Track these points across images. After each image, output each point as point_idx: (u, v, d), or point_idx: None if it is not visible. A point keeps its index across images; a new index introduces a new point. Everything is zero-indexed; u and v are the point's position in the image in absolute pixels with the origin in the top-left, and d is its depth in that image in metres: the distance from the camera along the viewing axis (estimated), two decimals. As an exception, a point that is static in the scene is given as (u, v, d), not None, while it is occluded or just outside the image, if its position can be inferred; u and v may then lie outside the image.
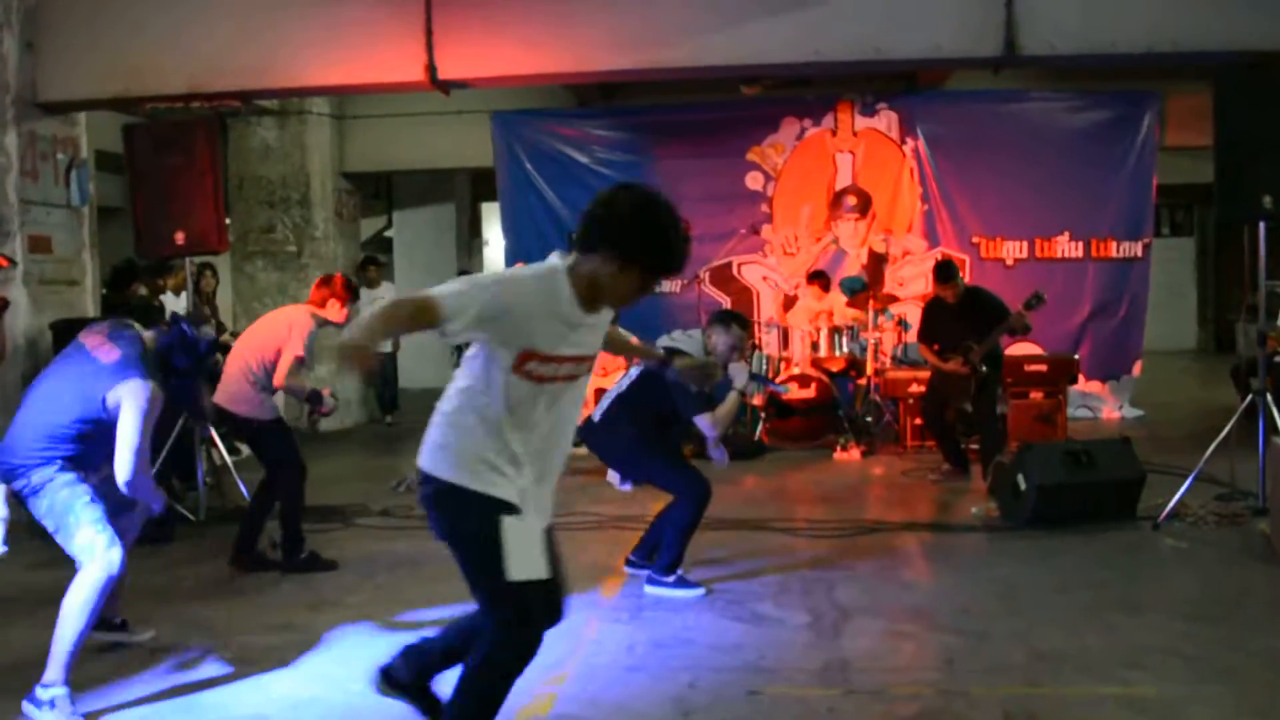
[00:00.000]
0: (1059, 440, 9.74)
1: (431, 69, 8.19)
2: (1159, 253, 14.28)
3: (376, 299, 13.51)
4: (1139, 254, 12.53)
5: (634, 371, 6.18)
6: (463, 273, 15.86)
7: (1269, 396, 7.55)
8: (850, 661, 5.02)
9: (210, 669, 5.08)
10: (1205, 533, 7.22)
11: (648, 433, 6.11)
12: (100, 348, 4.76)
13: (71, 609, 4.49)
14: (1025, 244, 12.57)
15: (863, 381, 11.53)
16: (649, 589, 6.15)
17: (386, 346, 13.60)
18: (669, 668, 4.98)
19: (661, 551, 6.14)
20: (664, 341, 11.68)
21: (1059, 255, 12.55)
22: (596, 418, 6.17)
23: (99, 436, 4.67)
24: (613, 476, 8.92)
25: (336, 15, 8.13)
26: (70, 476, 4.65)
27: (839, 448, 10.58)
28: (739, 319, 6.38)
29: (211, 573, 6.76)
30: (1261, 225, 7.62)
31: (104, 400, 4.62)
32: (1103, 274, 12.54)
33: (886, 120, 12.76)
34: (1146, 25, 7.97)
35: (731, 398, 6.17)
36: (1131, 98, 12.38)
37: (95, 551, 4.55)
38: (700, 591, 6.08)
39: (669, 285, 12.69)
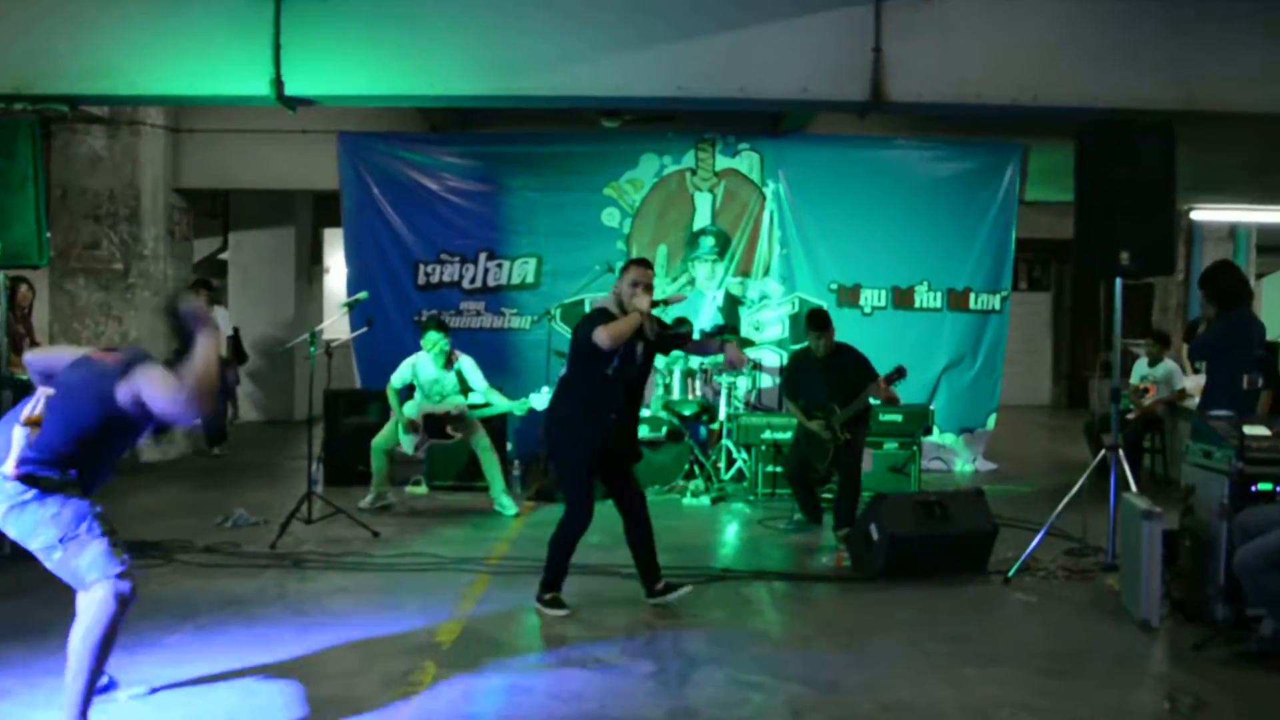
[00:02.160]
0: (912, 491, 9.95)
1: (278, 83, 8.09)
2: (1016, 306, 14.73)
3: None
4: (997, 307, 12.87)
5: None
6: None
7: (1120, 453, 7.83)
8: (696, 711, 5.04)
9: (14, 715, 4.88)
10: (1055, 587, 7.42)
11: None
12: (105, 356, 4.77)
13: (81, 642, 4.50)
14: (884, 292, 12.82)
15: (715, 426, 11.62)
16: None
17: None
18: (509, 716, 4.94)
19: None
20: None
21: (917, 305, 12.83)
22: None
23: (106, 448, 4.69)
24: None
25: (178, 20, 7.99)
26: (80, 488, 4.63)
27: (689, 493, 10.64)
28: (638, 260, 6.89)
29: (18, 610, 6.51)
30: (1118, 282, 7.91)
31: (116, 397, 4.54)
32: (960, 325, 12.85)
33: (749, 161, 12.94)
34: (1011, 79, 8.28)
35: (630, 316, 6.53)
36: (994, 149, 12.75)
37: (106, 569, 4.53)
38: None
39: (518, 323, 12.69)
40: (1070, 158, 7.94)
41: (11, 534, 4.60)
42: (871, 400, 9.12)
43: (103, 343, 12.07)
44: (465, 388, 10.04)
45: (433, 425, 9.88)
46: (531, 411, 9.95)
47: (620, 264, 12.53)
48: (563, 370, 6.95)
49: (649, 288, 6.65)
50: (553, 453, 7.18)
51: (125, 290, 12.37)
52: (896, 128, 12.73)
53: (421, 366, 10.01)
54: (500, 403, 9.84)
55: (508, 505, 9.83)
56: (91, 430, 4.58)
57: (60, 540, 4.54)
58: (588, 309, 12.62)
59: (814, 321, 9.25)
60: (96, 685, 4.59)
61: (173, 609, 6.59)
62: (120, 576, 4.59)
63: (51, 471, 4.53)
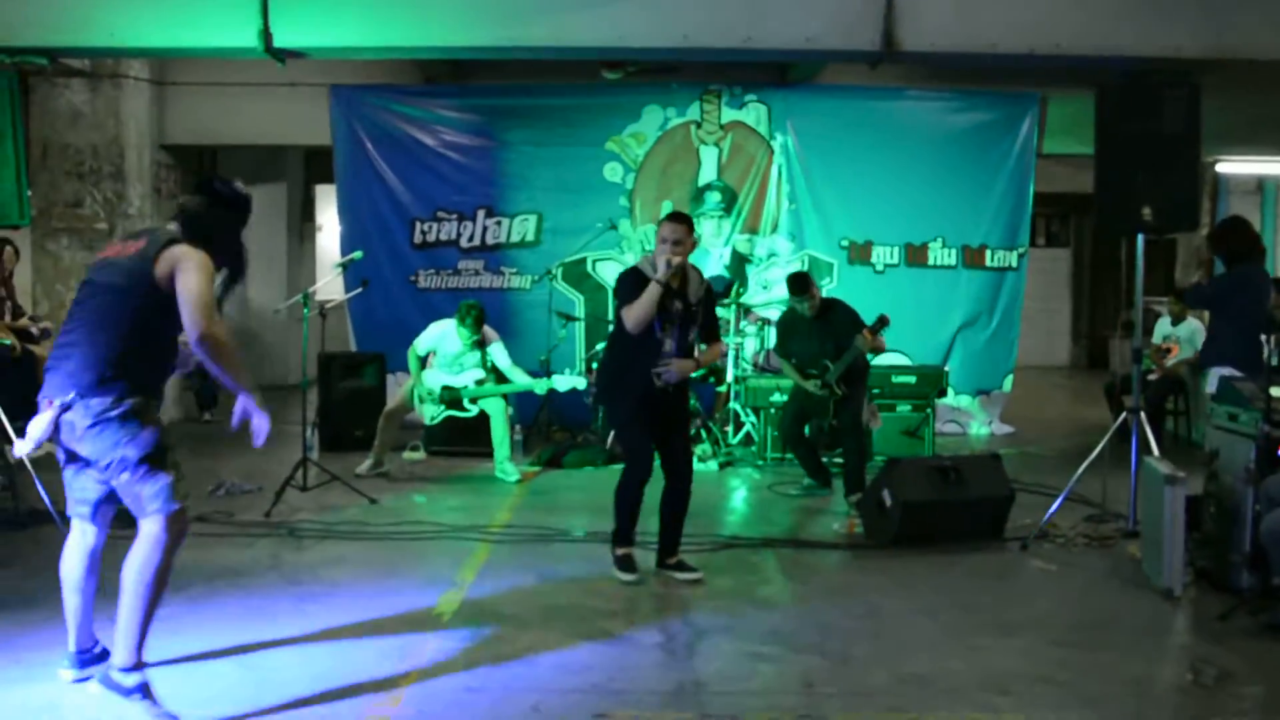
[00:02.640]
0: (926, 456, 9.96)
1: (266, 34, 8.04)
2: (1034, 264, 14.71)
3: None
4: (1014, 264, 12.86)
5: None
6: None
7: (1142, 415, 7.82)
8: (704, 684, 5.06)
9: (-3, 687, 4.90)
10: (1075, 555, 7.44)
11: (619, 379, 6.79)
12: (120, 249, 4.83)
13: (136, 575, 4.62)
14: (896, 249, 12.80)
15: (722, 388, 11.63)
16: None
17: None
18: (512, 689, 4.96)
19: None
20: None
21: (931, 262, 12.81)
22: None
23: (156, 350, 4.83)
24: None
25: (161, -32, 7.94)
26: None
27: (695, 457, 10.63)
28: (669, 215, 6.70)
29: (6, 582, 6.53)
30: (1140, 238, 7.87)
31: (152, 281, 4.65)
32: (976, 283, 12.84)
33: (756, 113, 12.89)
34: (1030, 26, 8.21)
35: (650, 289, 6.42)
36: (1011, 100, 12.70)
37: (166, 503, 4.66)
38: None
39: (518, 282, 12.68)
40: (1090, 108, 7.89)
41: (85, 451, 4.68)
42: (869, 357, 9.10)
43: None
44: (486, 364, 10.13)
45: (450, 396, 9.97)
46: (551, 391, 10.11)
47: (623, 220, 12.68)
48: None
49: (678, 243, 6.48)
50: (603, 403, 7.69)
51: (110, 250, 12.34)
52: (910, 78, 12.67)
53: (448, 338, 10.03)
54: (521, 380, 9.92)
55: (510, 472, 9.85)
56: (136, 325, 4.69)
57: (134, 462, 4.64)
58: (590, 269, 12.77)
59: (795, 286, 9.27)
60: (151, 621, 4.66)
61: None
62: (175, 514, 4.67)
63: (121, 389, 4.63)
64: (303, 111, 12.90)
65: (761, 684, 5.13)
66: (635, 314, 6.38)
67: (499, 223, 12.77)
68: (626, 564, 6.71)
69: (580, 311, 12.63)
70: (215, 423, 13.07)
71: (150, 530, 4.66)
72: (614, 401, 6.85)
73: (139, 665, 4.61)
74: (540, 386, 10.00)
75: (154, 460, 4.67)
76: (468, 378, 10.03)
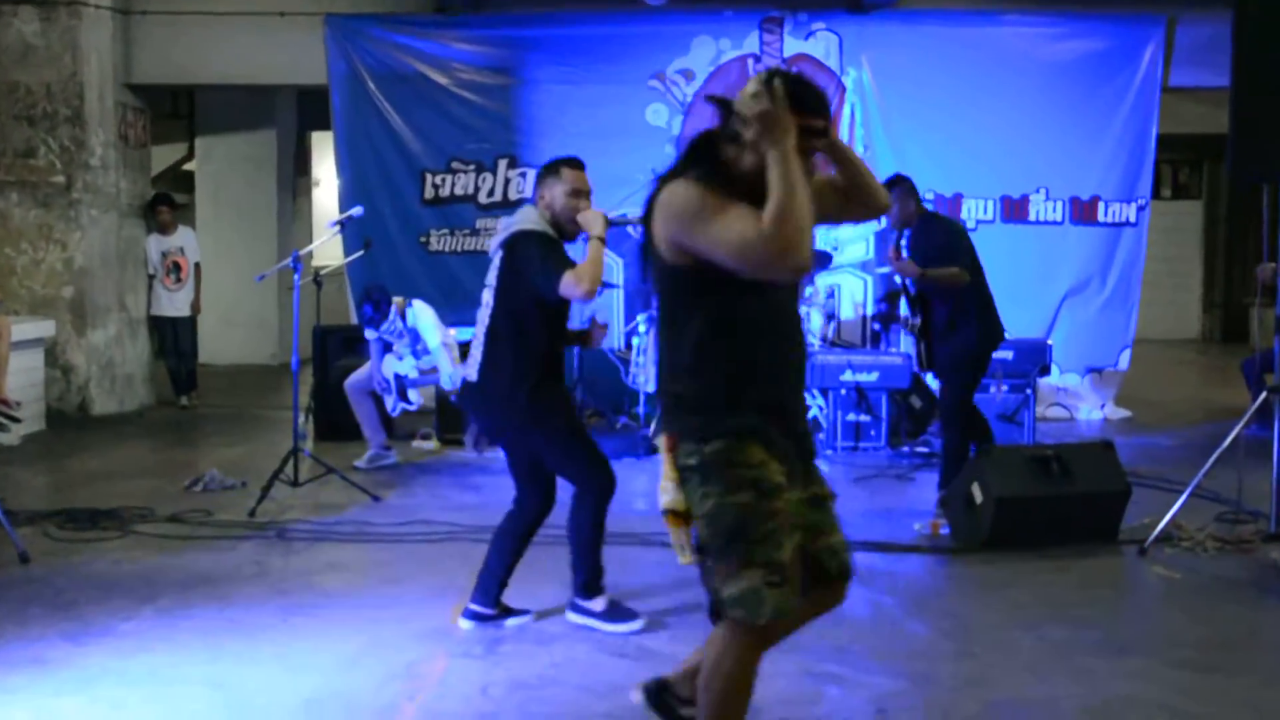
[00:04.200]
0: (1025, 444, 9.87)
1: (248, -50, 8.03)
2: (1157, 219, 14.55)
3: (170, 249, 13.28)
4: (1132, 219, 12.74)
5: (485, 295, 6.06)
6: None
7: (1287, 396, 7.69)
8: (761, 708, 5.00)
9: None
10: (1204, 561, 7.33)
11: (536, 378, 5.95)
12: None
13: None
14: (992, 203, 12.71)
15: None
16: (571, 616, 6.15)
17: (183, 309, 13.40)
18: (531, 714, 4.94)
19: (576, 561, 6.16)
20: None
21: (1032, 217, 12.70)
22: (474, 376, 6.02)
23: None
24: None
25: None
26: None
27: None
28: (568, 160, 6.15)
29: None
30: (1286, 186, 7.76)
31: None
32: (1086, 243, 12.73)
33: (825, 44, 12.81)
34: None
35: (592, 246, 5.90)
36: (1129, 25, 12.59)
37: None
38: (638, 624, 6.06)
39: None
40: (1226, 31, 7.75)
41: None
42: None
43: (42, 270, 12.17)
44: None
45: (400, 386, 10.02)
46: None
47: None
48: (483, 325, 6.07)
49: (589, 194, 6.07)
50: (518, 435, 6.07)
51: (69, 207, 12.41)
52: (1006, 0, 12.56)
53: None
54: (444, 367, 9.91)
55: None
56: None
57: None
58: (631, 229, 12.69)
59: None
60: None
61: (130, 589, 6.62)
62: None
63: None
64: (294, 46, 12.93)
65: (828, 708, 5.08)
66: (593, 273, 5.79)
67: (524, 175, 12.78)
68: (620, 613, 6.23)
69: (619, 278, 12.59)
70: (193, 408, 13.14)
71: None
72: (538, 405, 5.92)
73: None
74: (447, 379, 10.00)
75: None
76: (406, 364, 10.06)
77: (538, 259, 5.80)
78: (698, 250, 3.71)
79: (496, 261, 5.95)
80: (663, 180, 3.88)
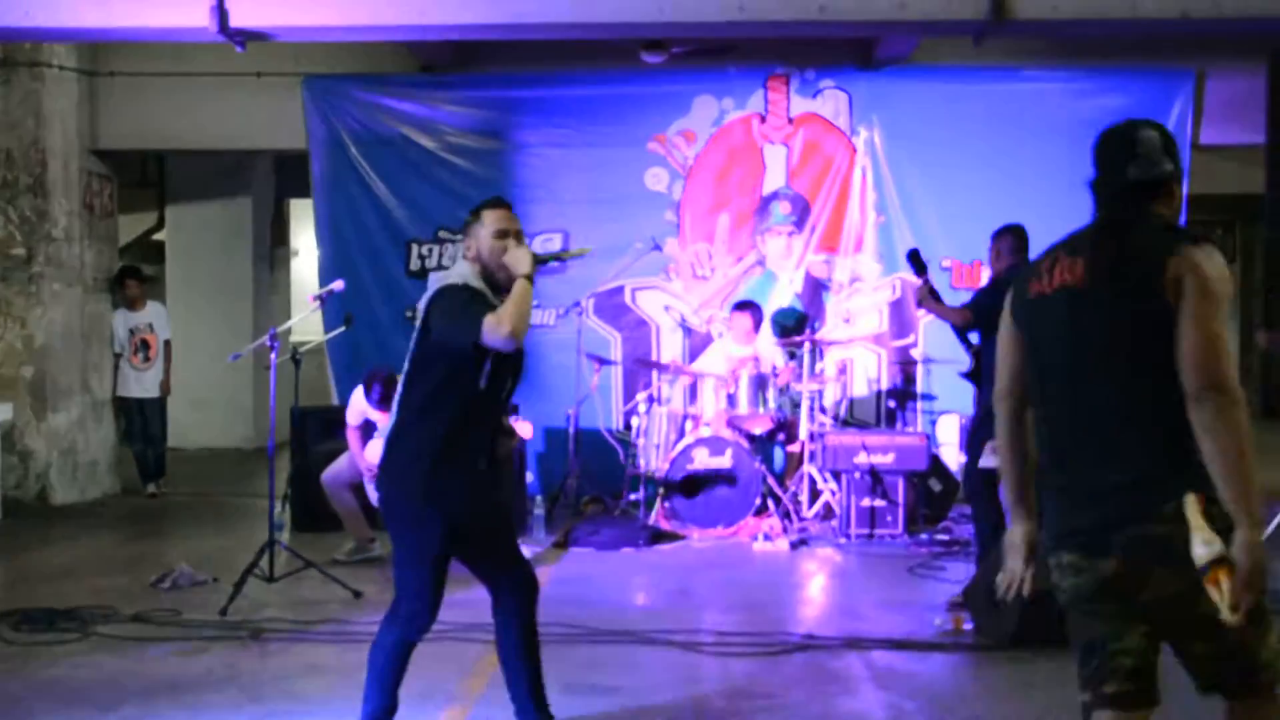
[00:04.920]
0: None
1: (221, 12, 8.06)
2: (1187, 286, 14.51)
3: (138, 325, 13.26)
4: (1161, 286, 12.68)
5: (406, 363, 5.64)
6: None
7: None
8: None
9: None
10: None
11: (440, 457, 5.53)
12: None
13: None
14: (1013, 271, 12.68)
15: (794, 448, 11.52)
16: None
17: (151, 389, 13.32)
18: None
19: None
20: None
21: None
22: (383, 449, 5.65)
23: None
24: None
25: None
26: None
27: (760, 536, 10.56)
28: (489, 201, 5.82)
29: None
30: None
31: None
32: (1114, 312, 12.67)
33: (834, 103, 12.85)
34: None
35: (518, 285, 5.44)
36: (1157, 79, 12.60)
37: None
38: None
39: (540, 317, 12.62)
40: (1260, 86, 7.77)
41: None
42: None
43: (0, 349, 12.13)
44: None
45: None
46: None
47: (669, 239, 12.61)
48: (398, 397, 5.72)
49: (520, 235, 5.70)
50: (390, 517, 5.71)
51: (29, 282, 12.40)
52: (1026, 54, 12.62)
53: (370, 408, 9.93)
54: None
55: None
56: None
57: None
58: (629, 299, 12.72)
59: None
60: None
61: (90, 697, 6.54)
62: None
63: None
64: (271, 108, 12.97)
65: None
66: (515, 313, 5.33)
67: (515, 245, 12.74)
68: None
69: (617, 353, 12.57)
70: (162, 497, 13.08)
71: None
72: (414, 525, 5.55)
73: None
74: None
75: None
76: None
77: (456, 309, 5.42)
78: None
79: (418, 324, 5.55)
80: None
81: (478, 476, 5.58)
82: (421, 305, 5.52)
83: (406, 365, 5.54)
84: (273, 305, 17.75)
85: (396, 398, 5.60)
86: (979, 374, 8.76)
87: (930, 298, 9.14)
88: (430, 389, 5.48)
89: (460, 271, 5.58)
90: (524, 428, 10.37)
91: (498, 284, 5.52)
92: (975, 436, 8.72)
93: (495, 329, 5.21)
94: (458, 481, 5.50)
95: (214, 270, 16.99)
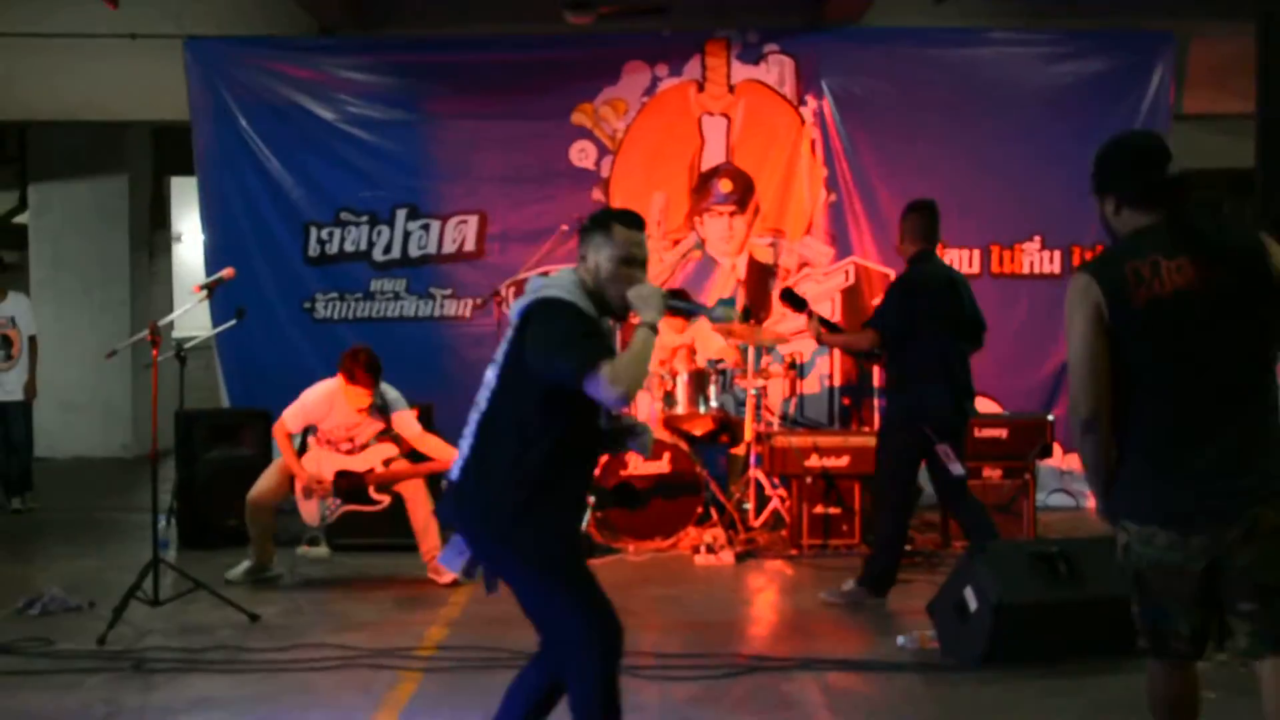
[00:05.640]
0: (1025, 539, 9.89)
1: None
2: (1170, 270, 14.66)
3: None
4: (1142, 271, 12.80)
5: (489, 372, 5.35)
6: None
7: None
8: None
9: None
10: (1247, 677, 7.32)
11: (537, 489, 5.23)
12: None
13: None
14: (978, 253, 12.81)
15: (738, 451, 11.56)
16: None
17: (14, 392, 13.17)
18: None
19: None
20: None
21: (1026, 270, 12.81)
22: (455, 474, 5.35)
23: None
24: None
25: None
26: None
27: (703, 548, 10.61)
28: (623, 216, 5.49)
29: None
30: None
31: None
32: (1089, 299, 12.78)
33: (778, 69, 12.92)
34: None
35: (639, 334, 5.16)
36: (1135, 42, 12.80)
37: None
38: None
39: (454, 309, 12.62)
40: (1249, 48, 7.86)
41: None
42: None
43: None
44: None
45: (350, 486, 9.81)
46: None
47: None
48: (479, 411, 5.42)
49: (645, 263, 5.44)
50: (505, 558, 5.35)
51: None
52: (989, 14, 12.71)
53: (338, 406, 9.88)
54: (442, 453, 9.71)
55: (444, 570, 9.77)
56: None
57: None
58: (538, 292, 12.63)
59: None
60: None
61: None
62: None
63: None
64: (149, 75, 12.92)
65: None
66: (634, 371, 5.04)
67: (426, 227, 12.79)
68: None
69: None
70: (28, 512, 12.96)
71: None
72: (528, 525, 5.19)
73: None
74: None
75: None
76: (373, 457, 9.90)
77: (561, 335, 5.09)
78: None
79: (510, 333, 5.26)
80: None
81: (579, 508, 5.63)
82: (515, 312, 5.28)
83: (493, 377, 5.28)
84: (153, 296, 17.60)
85: (478, 415, 5.29)
86: (900, 381, 9.02)
87: (826, 331, 9.40)
88: (525, 409, 5.20)
89: (565, 283, 5.27)
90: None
91: (606, 304, 5.31)
92: (893, 441, 9.04)
93: (609, 386, 4.91)
94: (562, 518, 5.32)
95: (85, 257, 16.82)
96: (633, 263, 5.29)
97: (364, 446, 9.90)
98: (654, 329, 5.15)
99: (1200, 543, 4.66)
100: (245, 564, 9.87)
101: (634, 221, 5.41)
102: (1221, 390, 4.68)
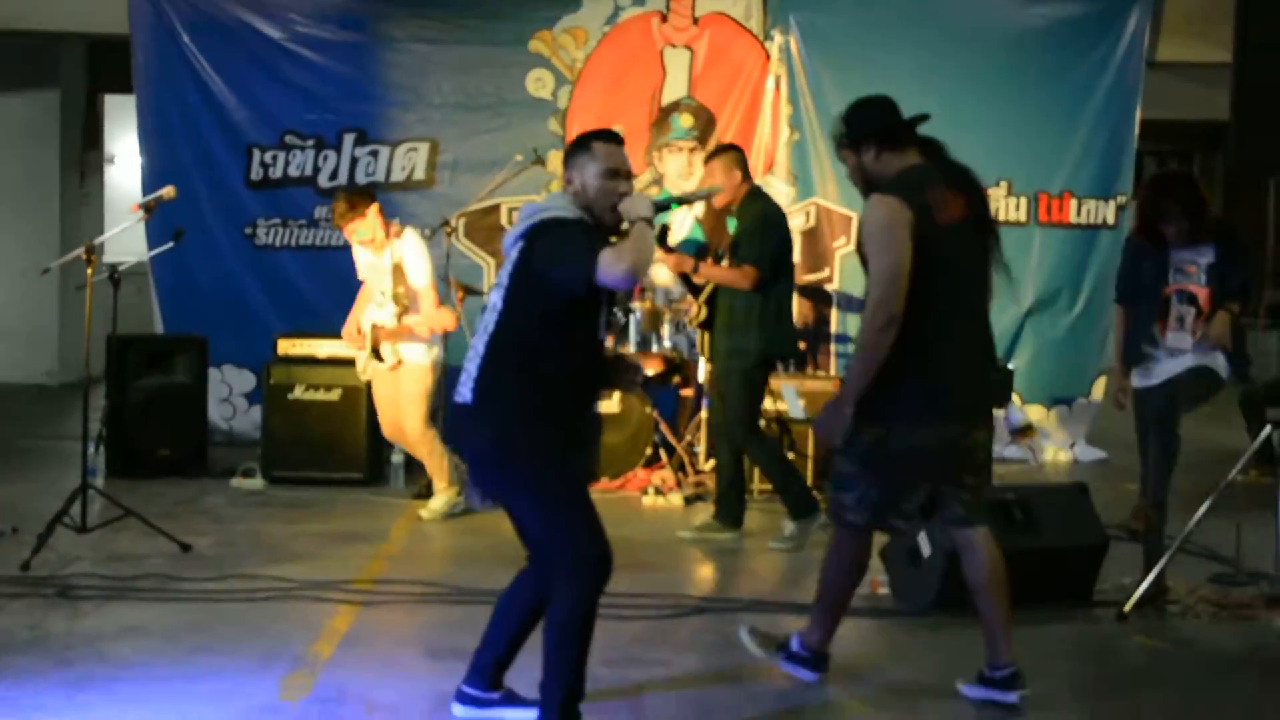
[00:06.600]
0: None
1: None
2: (1139, 221, 14.76)
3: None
4: (1110, 220, 12.92)
5: (494, 296, 5.67)
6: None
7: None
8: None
9: None
10: (1197, 628, 7.43)
11: (544, 410, 5.57)
12: None
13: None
14: (943, 199, 12.80)
15: (689, 392, 11.63)
16: None
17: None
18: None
19: (544, 673, 5.56)
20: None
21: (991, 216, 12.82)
22: (467, 396, 5.56)
23: None
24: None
25: None
26: None
27: (651, 490, 10.71)
28: (601, 134, 5.88)
29: None
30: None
31: None
32: (1055, 247, 12.95)
33: (745, 3, 12.88)
34: None
35: (637, 229, 5.53)
36: (1109, -12, 12.78)
37: None
38: None
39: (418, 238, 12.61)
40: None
41: None
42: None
43: None
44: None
45: (374, 342, 9.75)
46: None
47: (552, 152, 12.56)
48: (486, 333, 5.65)
49: (630, 174, 5.81)
50: (506, 476, 5.65)
51: None
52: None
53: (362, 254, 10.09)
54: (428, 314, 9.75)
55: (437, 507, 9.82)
56: None
57: None
58: (506, 220, 12.67)
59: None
60: None
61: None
62: None
63: None
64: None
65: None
66: (636, 250, 5.41)
67: (374, 153, 12.74)
68: None
69: (489, 282, 12.58)
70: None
71: None
72: (535, 444, 5.50)
73: None
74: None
75: None
76: (390, 312, 9.89)
77: (567, 244, 5.46)
78: None
79: (513, 255, 5.57)
80: None
81: (586, 424, 5.98)
82: (513, 237, 5.62)
83: (499, 300, 5.56)
84: (83, 218, 17.46)
85: (484, 338, 5.56)
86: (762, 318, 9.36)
87: (704, 263, 9.85)
88: (532, 330, 5.48)
89: (563, 203, 5.63)
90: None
91: (603, 225, 5.61)
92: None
93: (614, 264, 5.24)
94: (569, 436, 5.60)
95: (11, 176, 16.71)
96: (617, 175, 5.63)
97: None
98: (649, 223, 5.50)
99: (954, 430, 5.99)
100: (441, 498, 9.92)
101: (613, 137, 5.78)
102: (974, 306, 6.19)
